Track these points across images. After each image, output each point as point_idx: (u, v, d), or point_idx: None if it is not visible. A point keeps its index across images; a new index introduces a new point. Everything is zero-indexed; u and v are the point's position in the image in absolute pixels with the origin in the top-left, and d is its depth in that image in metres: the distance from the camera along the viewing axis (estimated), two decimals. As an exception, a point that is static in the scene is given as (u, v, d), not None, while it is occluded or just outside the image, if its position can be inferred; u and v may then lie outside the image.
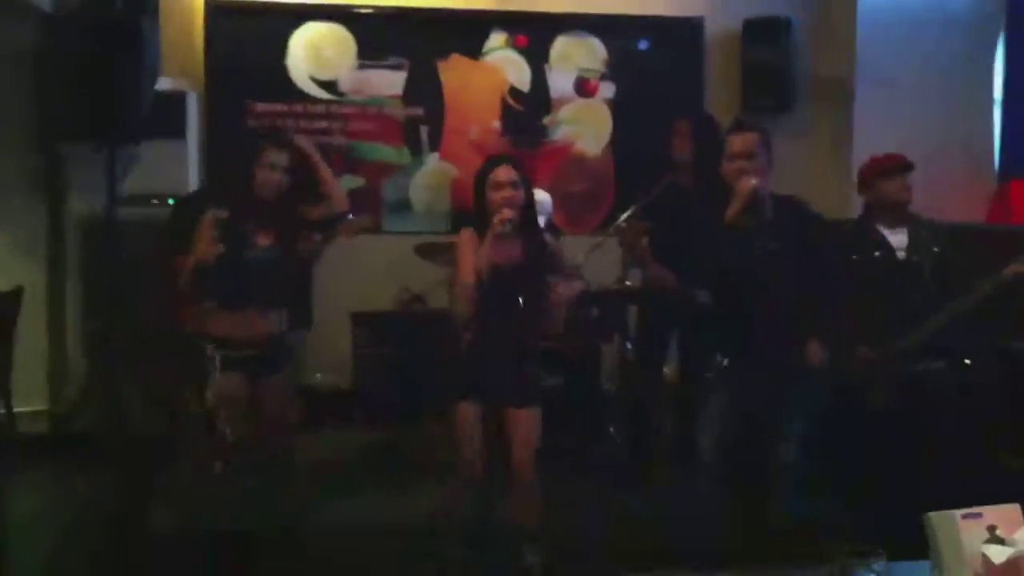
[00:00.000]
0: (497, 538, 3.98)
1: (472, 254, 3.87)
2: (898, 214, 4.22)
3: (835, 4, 6.92)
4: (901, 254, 4.20)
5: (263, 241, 4.07)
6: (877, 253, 4.19)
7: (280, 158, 4.08)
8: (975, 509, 2.00)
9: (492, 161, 4.04)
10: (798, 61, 6.87)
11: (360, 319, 6.23)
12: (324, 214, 4.30)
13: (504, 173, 3.89)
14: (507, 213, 3.77)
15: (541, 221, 5.52)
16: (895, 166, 4.24)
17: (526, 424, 3.93)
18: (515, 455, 3.91)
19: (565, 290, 4.19)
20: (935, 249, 4.17)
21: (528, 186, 3.99)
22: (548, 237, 4.30)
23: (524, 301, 3.91)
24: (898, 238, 4.22)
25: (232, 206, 4.05)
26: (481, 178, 3.95)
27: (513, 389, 3.93)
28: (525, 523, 3.96)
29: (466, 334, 3.94)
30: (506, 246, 3.82)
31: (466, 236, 3.96)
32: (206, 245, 4.00)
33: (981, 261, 4.21)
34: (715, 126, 5.21)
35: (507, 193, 3.85)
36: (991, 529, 1.99)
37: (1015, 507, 2.04)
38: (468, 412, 3.91)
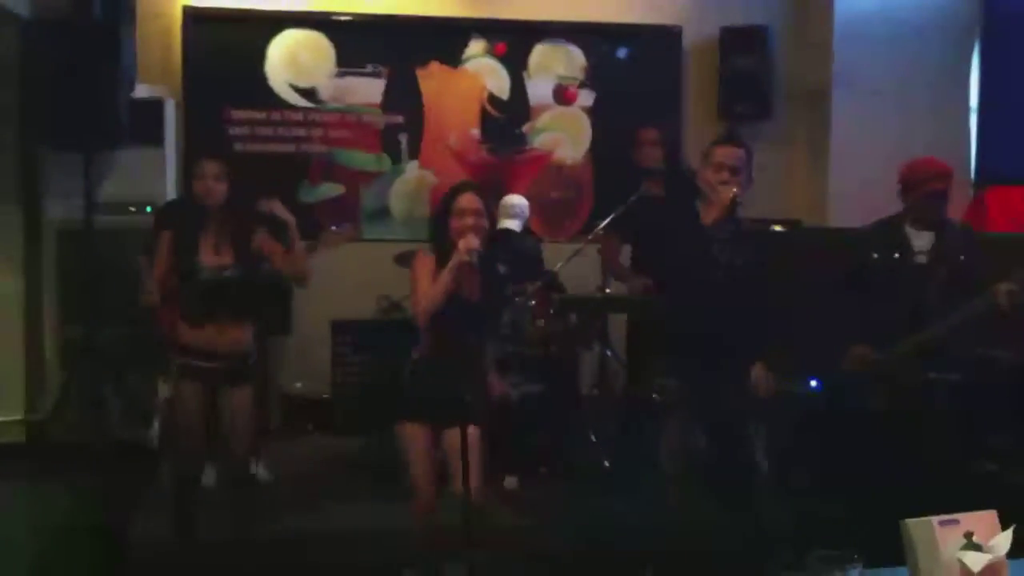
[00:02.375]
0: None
1: (429, 280, 3.80)
2: (932, 218, 4.23)
3: (812, 12, 6.97)
4: (921, 258, 4.20)
5: (218, 260, 4.06)
6: (896, 255, 4.20)
7: (212, 168, 4.07)
8: (952, 516, 2.00)
9: (458, 187, 3.99)
10: (776, 69, 6.90)
11: (340, 327, 6.22)
12: (286, 271, 4.27)
13: (468, 200, 3.83)
14: (473, 242, 3.68)
15: (518, 225, 5.56)
16: (932, 174, 4.22)
17: (469, 441, 3.89)
18: (460, 472, 3.88)
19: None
20: (961, 257, 4.17)
21: (491, 215, 3.94)
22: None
23: (480, 323, 3.87)
24: (923, 241, 4.23)
25: (186, 224, 4.06)
26: (445, 203, 3.91)
27: (459, 407, 3.88)
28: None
29: (422, 354, 3.93)
30: (466, 273, 3.75)
31: (423, 260, 3.89)
32: (161, 263, 4.02)
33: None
34: (676, 132, 5.24)
35: (470, 221, 3.79)
36: (968, 536, 1.99)
37: (992, 513, 2.05)
38: (415, 431, 3.88)
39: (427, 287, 3.79)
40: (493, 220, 3.99)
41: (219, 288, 4.06)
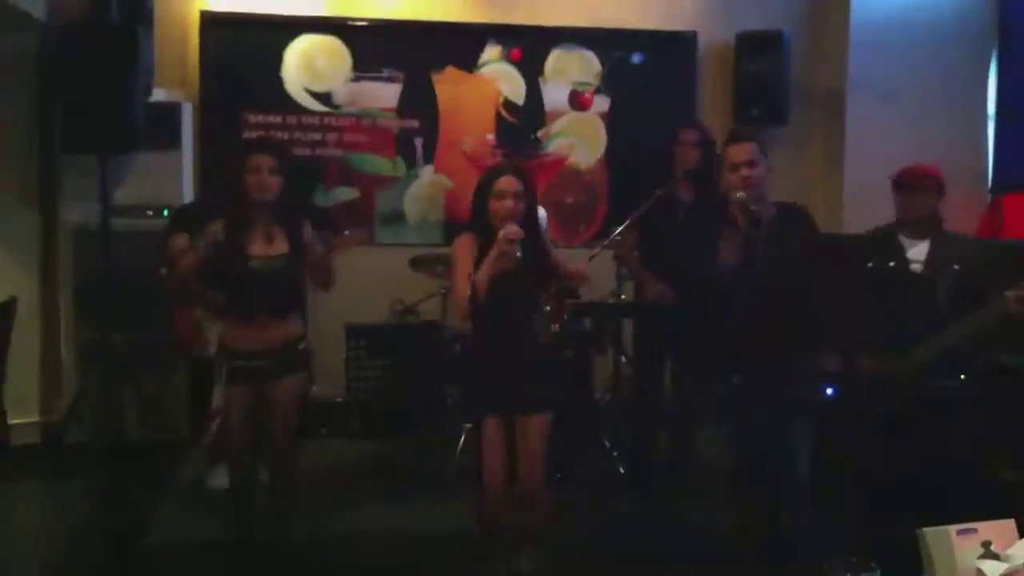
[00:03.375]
0: (495, 547, 3.97)
1: (470, 265, 3.78)
2: (921, 227, 4.20)
3: (828, 18, 6.96)
4: (917, 267, 4.17)
5: (271, 250, 4.05)
6: (892, 263, 4.17)
7: (265, 160, 4.07)
8: (970, 524, 2.00)
9: (497, 170, 3.93)
10: (791, 74, 6.89)
11: (354, 331, 6.24)
12: (319, 268, 4.27)
13: (508, 183, 3.80)
14: (513, 231, 3.64)
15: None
16: (906, 181, 4.20)
17: (536, 430, 3.86)
18: (524, 461, 3.85)
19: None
20: (955, 267, 4.13)
21: (532, 197, 3.92)
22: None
23: (525, 310, 3.85)
24: (918, 250, 4.20)
25: (233, 216, 4.03)
26: (484, 186, 3.87)
27: (523, 397, 3.84)
28: (526, 531, 3.95)
29: (475, 349, 3.90)
30: (508, 262, 3.72)
31: (464, 243, 3.86)
32: (197, 256, 4.01)
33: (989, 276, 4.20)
34: (712, 137, 5.24)
35: (509, 204, 3.76)
36: (986, 544, 1.99)
37: (1010, 522, 2.04)
38: (491, 426, 3.83)
39: (467, 270, 3.76)
40: (533, 202, 3.96)
41: (275, 277, 4.04)
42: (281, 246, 4.05)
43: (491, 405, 3.84)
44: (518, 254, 3.64)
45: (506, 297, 3.73)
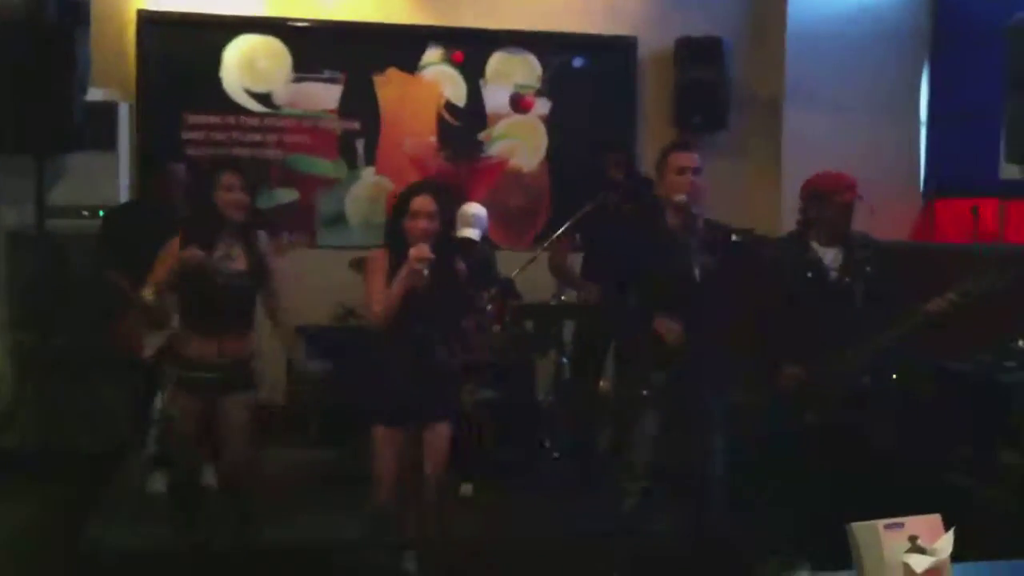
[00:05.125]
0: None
1: (382, 282, 3.83)
2: (836, 232, 4.26)
3: (766, 25, 7.05)
4: (833, 273, 4.23)
5: (233, 266, 4.04)
6: (809, 273, 4.23)
7: (237, 179, 4.06)
8: (897, 519, 2.04)
9: (412, 188, 4.00)
10: (731, 80, 6.97)
11: (301, 333, 6.18)
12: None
13: (422, 203, 3.84)
14: (423, 251, 3.71)
15: (477, 234, 5.57)
16: (842, 186, 4.26)
17: (438, 439, 3.95)
18: (429, 468, 3.93)
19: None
20: (868, 269, 4.21)
21: (446, 216, 3.96)
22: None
23: (437, 323, 3.91)
24: (832, 256, 4.26)
25: (203, 232, 4.01)
26: (399, 204, 3.93)
27: (427, 406, 3.93)
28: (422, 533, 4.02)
29: (382, 357, 3.95)
30: (417, 279, 3.76)
31: (377, 259, 3.92)
32: (167, 269, 3.96)
33: (913, 280, 4.28)
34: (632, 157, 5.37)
35: (423, 224, 3.81)
36: (912, 539, 2.03)
37: (936, 517, 2.08)
38: (385, 434, 3.91)
39: (380, 288, 3.82)
40: (449, 221, 4.01)
41: (237, 293, 4.04)
42: (242, 262, 4.05)
43: (388, 417, 3.91)
44: (426, 273, 3.69)
45: (416, 315, 3.78)
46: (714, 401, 4.08)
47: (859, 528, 2.05)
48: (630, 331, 4.23)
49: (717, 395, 4.09)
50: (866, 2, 6.91)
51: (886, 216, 4.75)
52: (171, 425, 4.19)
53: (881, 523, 2.03)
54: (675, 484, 4.23)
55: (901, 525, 2.04)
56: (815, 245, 4.25)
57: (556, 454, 5.70)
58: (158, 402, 4.69)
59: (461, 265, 4.05)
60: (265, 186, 6.61)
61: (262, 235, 4.20)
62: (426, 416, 3.94)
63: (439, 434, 3.95)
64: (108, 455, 5.61)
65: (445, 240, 3.90)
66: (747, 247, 4.18)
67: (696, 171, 4.03)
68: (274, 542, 4.49)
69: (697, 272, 3.91)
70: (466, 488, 5.34)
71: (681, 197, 3.96)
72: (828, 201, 4.21)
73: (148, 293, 3.93)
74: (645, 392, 4.07)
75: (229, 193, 4.02)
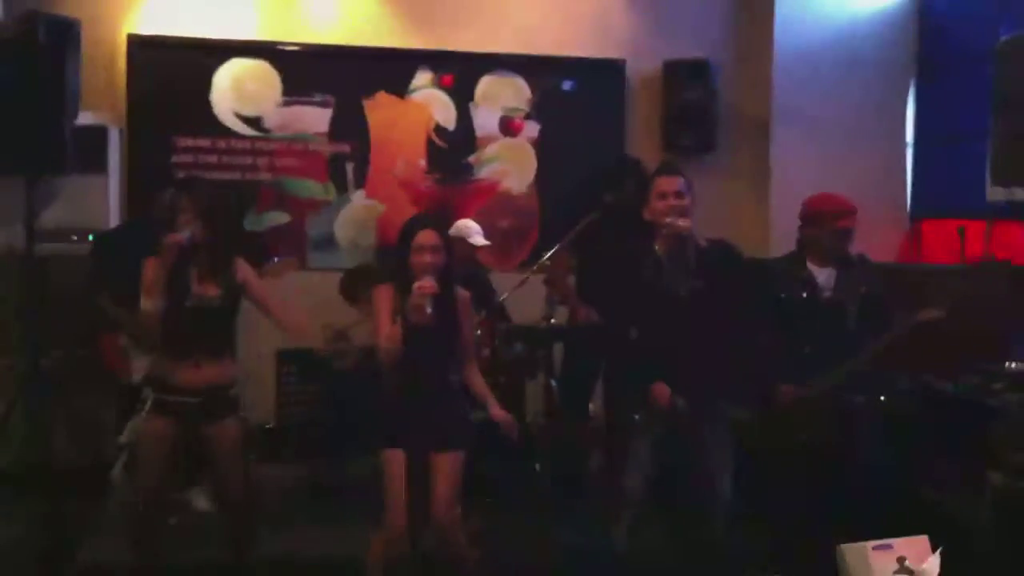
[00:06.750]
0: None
1: (389, 315, 3.88)
2: (832, 254, 4.30)
3: (752, 47, 7.09)
4: (828, 293, 4.28)
5: (206, 291, 4.04)
6: (804, 293, 4.26)
7: (188, 202, 4.06)
8: (886, 541, 2.05)
9: (417, 221, 4.05)
10: (719, 102, 7.01)
11: (285, 356, 6.19)
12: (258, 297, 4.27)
13: (426, 237, 3.90)
14: (428, 286, 3.76)
15: (478, 241, 5.59)
16: (843, 211, 4.30)
17: (449, 467, 3.95)
18: (437, 497, 3.92)
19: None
20: (862, 289, 4.26)
21: (448, 249, 3.99)
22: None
23: (443, 351, 3.96)
24: (826, 276, 4.31)
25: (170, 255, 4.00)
26: (404, 238, 3.96)
27: (436, 434, 3.94)
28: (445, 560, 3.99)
29: (390, 384, 3.97)
30: (421, 313, 3.80)
31: (383, 294, 3.96)
32: (152, 293, 3.96)
33: (899, 299, 4.33)
34: (642, 169, 5.33)
35: (427, 258, 3.86)
36: (900, 560, 2.05)
37: (923, 539, 2.11)
38: (393, 458, 3.92)
39: (387, 322, 3.86)
40: (451, 254, 4.04)
41: (211, 317, 4.04)
42: (213, 288, 4.05)
43: (396, 442, 3.92)
44: (428, 310, 3.73)
45: (421, 346, 3.82)
46: (708, 427, 4.08)
47: (848, 550, 2.07)
48: (622, 381, 4.25)
49: (711, 420, 4.09)
50: (852, 25, 6.97)
51: (871, 237, 4.79)
52: (139, 448, 4.17)
53: (870, 545, 2.05)
54: (666, 507, 4.24)
55: (890, 547, 2.06)
56: (811, 265, 4.29)
57: (545, 477, 5.69)
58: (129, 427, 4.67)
59: (465, 293, 4.09)
60: (253, 208, 6.64)
61: (240, 262, 4.18)
62: (435, 443, 3.95)
63: (449, 461, 3.96)
64: (97, 475, 5.61)
65: (448, 272, 3.94)
66: (741, 267, 4.19)
67: (679, 194, 4.03)
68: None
69: (686, 295, 3.93)
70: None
71: (669, 221, 3.98)
72: (827, 224, 4.26)
73: (147, 304, 3.93)
74: (636, 416, 4.08)
75: (182, 215, 4.03)
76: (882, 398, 4.37)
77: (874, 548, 2.04)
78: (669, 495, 4.22)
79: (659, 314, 4.00)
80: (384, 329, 3.88)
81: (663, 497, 4.21)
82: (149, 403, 4.05)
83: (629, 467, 4.14)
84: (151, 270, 3.94)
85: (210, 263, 4.06)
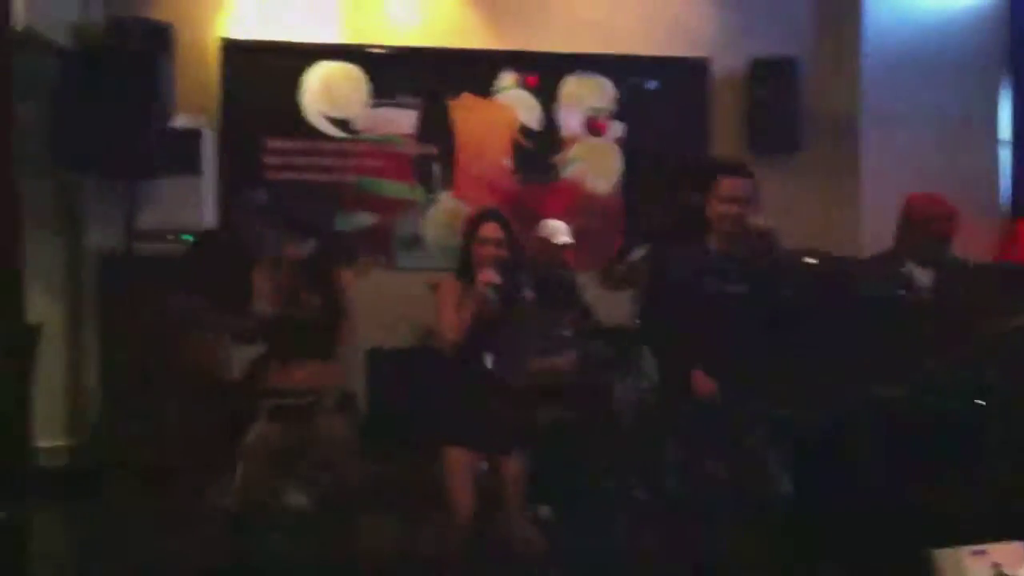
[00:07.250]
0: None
1: (452, 307, 3.89)
2: (934, 255, 4.24)
3: (840, 44, 7.01)
4: (927, 293, 4.22)
5: (312, 300, 4.14)
6: (902, 292, 4.21)
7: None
8: (981, 547, 2.04)
9: (482, 215, 4.05)
10: (805, 100, 6.94)
11: (375, 356, 6.27)
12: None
13: (490, 230, 3.91)
14: (490, 276, 3.76)
15: (563, 240, 5.60)
16: (947, 213, 4.25)
17: (512, 470, 3.95)
18: (506, 499, 3.93)
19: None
20: (960, 289, 4.19)
21: (515, 242, 4.00)
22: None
23: (507, 351, 3.95)
24: (926, 276, 4.24)
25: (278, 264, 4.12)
26: (469, 230, 3.97)
27: (498, 433, 3.94)
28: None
29: (455, 381, 3.99)
30: (486, 304, 3.80)
31: (447, 287, 3.98)
32: (266, 299, 4.07)
33: (997, 299, 4.24)
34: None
35: (490, 251, 3.87)
36: (996, 566, 2.03)
37: (1019, 545, 2.08)
38: (458, 457, 3.93)
39: (450, 314, 3.86)
40: (518, 249, 4.04)
41: (317, 324, 4.17)
42: (317, 297, 4.14)
43: (459, 439, 3.92)
44: (494, 300, 3.72)
45: (485, 340, 3.82)
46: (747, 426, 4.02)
47: (943, 555, 2.06)
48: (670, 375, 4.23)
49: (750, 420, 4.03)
50: (942, 20, 6.85)
51: (965, 235, 4.70)
52: (252, 452, 4.27)
53: (966, 550, 2.03)
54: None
55: (985, 552, 2.04)
56: (909, 264, 4.23)
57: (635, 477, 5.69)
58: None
59: (530, 292, 4.08)
60: (341, 208, 6.74)
61: (340, 272, 4.28)
62: (498, 444, 3.95)
63: (514, 461, 3.96)
64: (194, 475, 5.74)
65: (512, 266, 3.94)
66: (828, 276, 4.15)
67: (744, 201, 3.96)
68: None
69: (736, 293, 3.89)
70: (544, 510, 5.35)
71: (725, 228, 3.93)
72: (931, 226, 4.20)
73: (260, 306, 4.03)
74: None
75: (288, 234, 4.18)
76: (980, 402, 4.28)
77: (970, 554, 2.03)
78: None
79: (704, 311, 3.95)
80: (446, 320, 3.86)
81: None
82: (266, 411, 4.14)
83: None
84: (261, 278, 4.04)
85: (315, 274, 4.16)
